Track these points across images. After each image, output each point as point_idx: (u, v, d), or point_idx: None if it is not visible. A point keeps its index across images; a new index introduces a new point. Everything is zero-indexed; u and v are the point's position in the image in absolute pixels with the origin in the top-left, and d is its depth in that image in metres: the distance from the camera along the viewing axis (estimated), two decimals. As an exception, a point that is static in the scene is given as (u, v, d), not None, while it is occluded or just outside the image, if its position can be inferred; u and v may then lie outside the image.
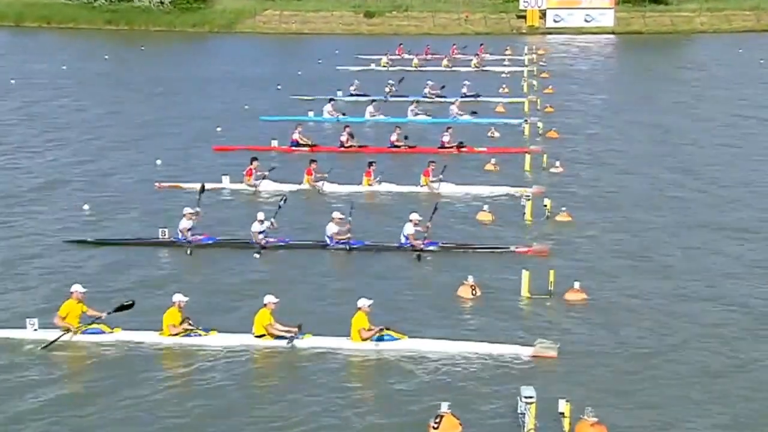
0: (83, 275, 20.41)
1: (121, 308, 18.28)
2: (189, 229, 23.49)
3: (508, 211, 26.52)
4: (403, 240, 23.10)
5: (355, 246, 23.12)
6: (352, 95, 46.61)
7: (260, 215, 23.58)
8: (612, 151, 35.00)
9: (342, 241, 23.12)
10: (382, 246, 23.31)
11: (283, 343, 17.49)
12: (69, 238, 23.99)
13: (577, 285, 19.90)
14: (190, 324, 17.91)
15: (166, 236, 23.54)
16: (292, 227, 24.51)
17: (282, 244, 23.39)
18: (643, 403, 15.44)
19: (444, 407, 14.42)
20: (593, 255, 22.90)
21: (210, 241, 23.54)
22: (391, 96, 46.05)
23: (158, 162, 32.60)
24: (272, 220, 23.63)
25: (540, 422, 14.34)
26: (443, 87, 46.89)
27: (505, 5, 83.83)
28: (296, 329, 17.62)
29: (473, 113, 41.26)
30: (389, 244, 23.34)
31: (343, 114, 41.06)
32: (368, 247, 23.23)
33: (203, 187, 25.94)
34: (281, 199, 24.97)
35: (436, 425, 14.29)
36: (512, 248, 22.97)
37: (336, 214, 23.54)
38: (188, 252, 23.08)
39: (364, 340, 17.45)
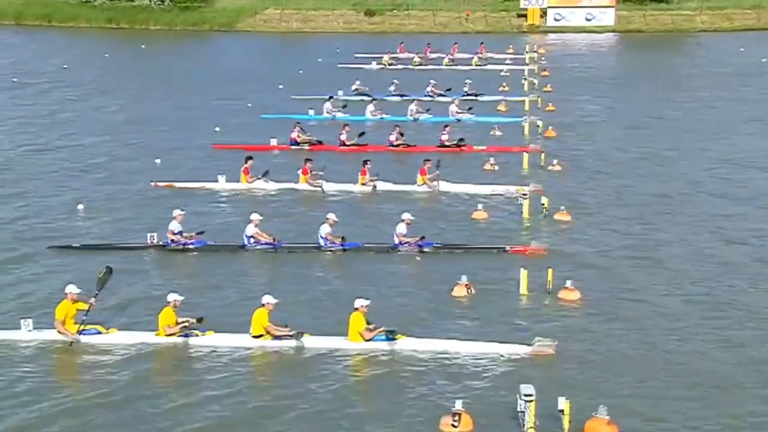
0: (72, 279, 19.66)
1: (102, 281, 18.35)
2: (178, 232, 23.30)
3: (505, 210, 26.45)
4: (396, 240, 23.01)
5: (349, 247, 23.01)
6: (358, 94, 46.56)
7: (254, 216, 23.39)
8: (612, 150, 34.91)
9: (334, 242, 22.98)
10: (376, 247, 23.19)
11: (281, 343, 17.44)
12: (56, 242, 23.53)
13: (569, 283, 19.85)
14: (188, 320, 17.81)
15: (155, 240, 23.25)
16: (286, 228, 24.33)
17: (274, 248, 23.13)
18: (642, 399, 15.40)
19: (458, 405, 14.36)
20: (591, 253, 22.83)
21: (200, 245, 23.29)
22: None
23: (157, 161, 32.52)
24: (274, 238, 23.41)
25: (540, 420, 14.33)
26: (449, 89, 46.81)
27: (506, 4, 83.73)
28: (288, 329, 17.58)
29: (469, 109, 41.30)
30: (384, 244, 23.23)
31: (344, 108, 41.34)
32: (363, 248, 23.12)
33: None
34: (278, 242, 23.37)
35: (456, 423, 14.21)
36: (508, 248, 22.89)
37: (330, 216, 23.43)
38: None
39: (366, 340, 17.38)
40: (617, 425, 14.19)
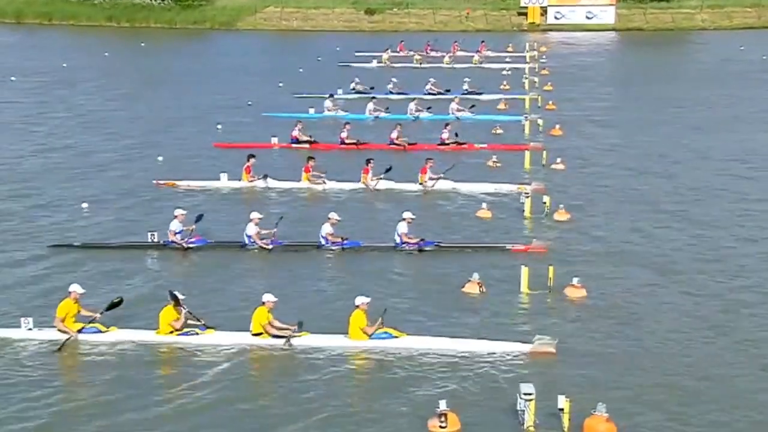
0: (73, 278, 19.76)
1: (112, 306, 18.25)
2: (179, 232, 23.25)
3: (507, 209, 26.42)
4: (397, 239, 23.00)
5: (350, 246, 22.97)
6: (356, 92, 46.57)
7: (254, 215, 23.32)
8: (613, 148, 34.92)
9: (335, 242, 22.94)
10: (377, 246, 23.13)
11: (282, 341, 17.42)
12: (58, 241, 23.46)
13: (575, 281, 19.83)
14: (190, 315, 17.79)
15: (156, 239, 23.21)
16: (288, 226, 24.32)
17: (276, 245, 23.09)
18: (642, 398, 15.39)
19: (443, 405, 14.33)
20: (592, 251, 22.81)
21: (201, 244, 23.22)
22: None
23: (159, 159, 32.52)
24: (274, 231, 23.38)
25: (540, 418, 14.36)
26: (448, 90, 46.79)
27: (506, 2, 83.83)
28: (294, 327, 17.57)
29: (471, 107, 41.31)
30: (385, 243, 23.18)
31: (344, 111, 41.49)
32: (363, 247, 23.08)
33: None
34: (278, 219, 23.70)
35: (443, 424, 14.21)
36: (509, 246, 22.86)
37: (332, 215, 23.40)
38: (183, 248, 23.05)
39: (368, 336, 17.39)
40: (616, 423, 14.18)
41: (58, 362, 17.08)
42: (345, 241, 22.98)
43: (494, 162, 31.28)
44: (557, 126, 37.83)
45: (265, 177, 29.25)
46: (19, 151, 34.60)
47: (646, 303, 19.54)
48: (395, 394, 15.66)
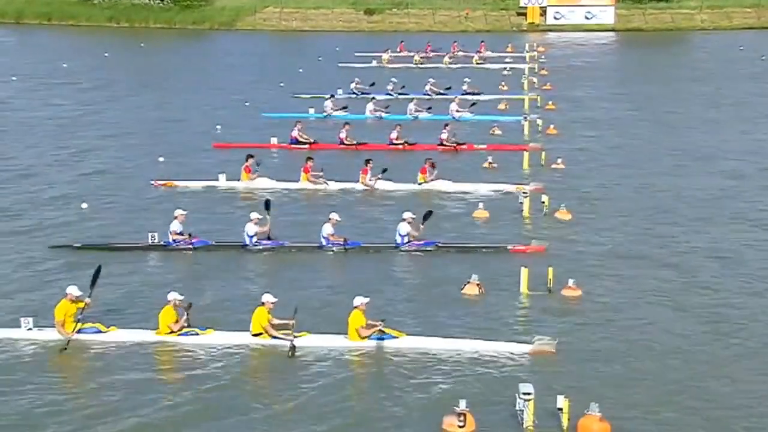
0: (73, 279, 19.70)
1: (95, 278, 18.40)
2: (179, 232, 23.29)
3: (505, 209, 26.43)
4: (398, 239, 23.02)
5: (350, 246, 23.00)
6: (354, 93, 46.62)
7: (254, 215, 23.32)
8: (612, 148, 34.96)
9: (336, 242, 22.98)
10: (377, 246, 23.15)
11: (281, 342, 17.42)
12: (58, 242, 23.44)
13: (571, 282, 19.86)
14: (187, 321, 17.84)
15: (156, 240, 23.19)
16: (288, 227, 24.37)
17: (276, 246, 23.13)
18: (641, 398, 15.41)
19: (463, 404, 14.32)
20: (592, 252, 22.82)
21: (201, 245, 23.21)
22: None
23: (160, 159, 32.52)
24: (268, 228, 23.37)
25: (538, 418, 14.38)
26: (449, 88, 46.82)
27: (506, 2, 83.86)
28: (293, 321, 17.54)
29: (472, 105, 41.36)
30: (385, 244, 23.20)
31: (344, 107, 41.63)
32: (364, 247, 23.09)
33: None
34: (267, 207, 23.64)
35: (461, 424, 14.23)
36: (509, 247, 22.88)
37: (333, 215, 23.41)
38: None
39: (363, 338, 17.40)
40: (610, 422, 14.18)
41: (58, 362, 17.10)
42: (346, 242, 23.00)
43: (490, 163, 31.24)
44: (556, 126, 37.84)
45: (257, 165, 29.17)
46: (19, 151, 34.58)
47: (646, 303, 19.56)
48: (394, 395, 15.67)
